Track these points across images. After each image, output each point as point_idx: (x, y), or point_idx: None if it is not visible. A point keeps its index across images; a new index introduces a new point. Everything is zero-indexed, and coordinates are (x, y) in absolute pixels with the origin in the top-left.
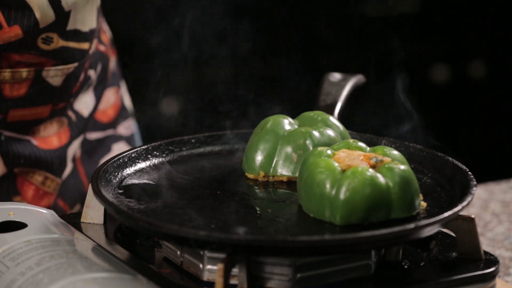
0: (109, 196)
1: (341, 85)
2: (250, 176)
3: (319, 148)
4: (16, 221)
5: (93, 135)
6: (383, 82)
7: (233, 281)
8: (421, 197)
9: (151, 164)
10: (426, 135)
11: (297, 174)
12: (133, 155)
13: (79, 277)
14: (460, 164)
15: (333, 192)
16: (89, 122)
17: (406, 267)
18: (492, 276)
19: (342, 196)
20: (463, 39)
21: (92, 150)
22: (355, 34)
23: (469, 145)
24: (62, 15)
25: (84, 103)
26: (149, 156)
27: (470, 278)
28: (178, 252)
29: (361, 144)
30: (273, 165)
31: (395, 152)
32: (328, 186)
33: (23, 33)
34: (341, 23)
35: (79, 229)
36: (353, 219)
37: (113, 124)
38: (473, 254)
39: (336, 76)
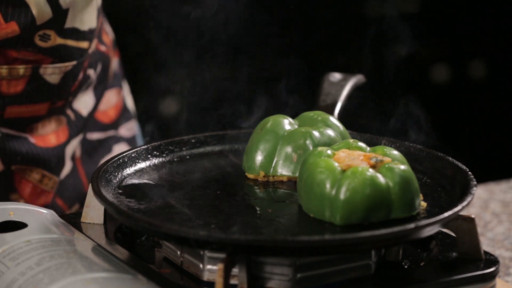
0: (109, 196)
1: (341, 85)
2: (250, 176)
3: (319, 148)
4: (16, 221)
5: (94, 135)
6: (383, 82)
7: (233, 281)
8: (421, 197)
9: (151, 164)
10: (426, 135)
11: (297, 174)
12: (133, 155)
13: (79, 277)
14: (460, 164)
15: (333, 192)
16: (89, 122)
17: (406, 267)
18: (492, 276)
19: (342, 196)
20: (463, 39)
21: (92, 150)
22: (355, 34)
23: (469, 145)
24: (59, 13)
25: (84, 103)
26: (149, 156)
27: (470, 278)
28: (178, 252)
29: (361, 144)
30: (273, 165)
31: (395, 152)
32: (328, 186)
33: (20, 30)
34: (341, 23)
35: (79, 229)
36: (353, 219)
37: (115, 125)
38: (473, 254)
39: (336, 76)
